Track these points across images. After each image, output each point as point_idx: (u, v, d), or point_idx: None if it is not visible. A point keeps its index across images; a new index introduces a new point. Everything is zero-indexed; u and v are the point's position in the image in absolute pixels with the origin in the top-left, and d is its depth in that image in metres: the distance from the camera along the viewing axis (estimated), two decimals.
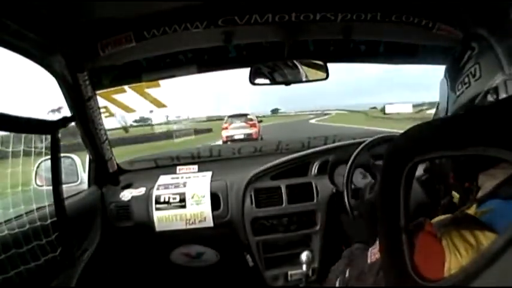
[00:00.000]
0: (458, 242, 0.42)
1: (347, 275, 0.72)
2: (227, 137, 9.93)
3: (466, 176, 0.54)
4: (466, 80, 0.53)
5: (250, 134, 9.82)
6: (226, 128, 10.20)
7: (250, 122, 10.38)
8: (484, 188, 0.50)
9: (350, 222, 1.12)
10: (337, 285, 0.74)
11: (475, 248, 0.40)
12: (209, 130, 17.75)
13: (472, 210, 0.49)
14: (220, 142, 9.89)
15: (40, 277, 0.85)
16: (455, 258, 0.41)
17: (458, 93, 0.54)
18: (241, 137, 9.62)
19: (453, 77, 0.56)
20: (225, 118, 10.84)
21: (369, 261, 0.64)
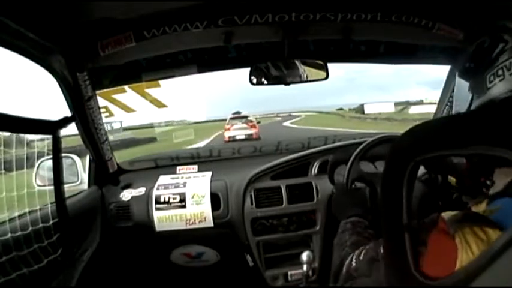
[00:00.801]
0: (471, 239, 0.42)
1: (355, 258, 0.70)
2: (229, 137, 10.45)
3: (482, 170, 0.53)
4: (500, 72, 0.51)
5: (250, 135, 10.36)
6: (229, 129, 10.72)
7: (251, 124, 10.98)
8: (496, 185, 0.50)
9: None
10: (344, 270, 0.72)
11: (486, 245, 0.40)
12: (152, 140, 13.28)
13: (482, 207, 0.49)
14: None
15: (40, 277, 0.85)
16: (467, 255, 0.41)
17: (489, 85, 0.52)
18: (243, 137, 10.22)
19: (483, 68, 0.54)
20: (227, 119, 11.39)
21: (381, 250, 0.62)
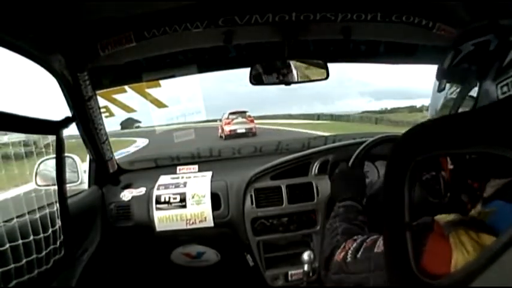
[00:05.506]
0: (465, 240, 0.42)
1: (350, 253, 0.67)
2: (230, 131, 10.46)
3: (478, 176, 0.53)
4: None
5: (250, 129, 10.68)
6: (229, 124, 10.70)
7: (249, 119, 11.12)
8: (487, 189, 0.50)
9: None
10: (335, 258, 0.71)
11: (481, 247, 0.41)
12: None
13: (477, 209, 0.50)
14: None
15: (40, 277, 0.85)
16: (462, 255, 0.41)
17: (502, 95, 0.48)
18: (243, 131, 10.41)
19: (492, 75, 0.50)
20: (226, 115, 11.30)
21: (375, 250, 0.61)
